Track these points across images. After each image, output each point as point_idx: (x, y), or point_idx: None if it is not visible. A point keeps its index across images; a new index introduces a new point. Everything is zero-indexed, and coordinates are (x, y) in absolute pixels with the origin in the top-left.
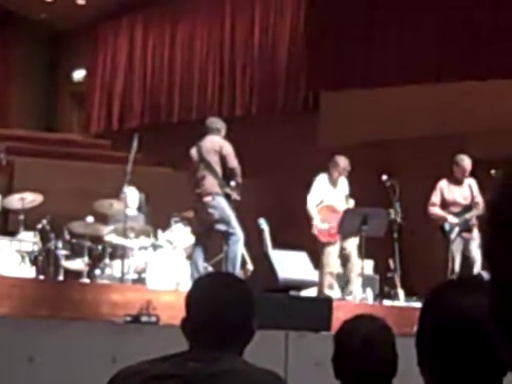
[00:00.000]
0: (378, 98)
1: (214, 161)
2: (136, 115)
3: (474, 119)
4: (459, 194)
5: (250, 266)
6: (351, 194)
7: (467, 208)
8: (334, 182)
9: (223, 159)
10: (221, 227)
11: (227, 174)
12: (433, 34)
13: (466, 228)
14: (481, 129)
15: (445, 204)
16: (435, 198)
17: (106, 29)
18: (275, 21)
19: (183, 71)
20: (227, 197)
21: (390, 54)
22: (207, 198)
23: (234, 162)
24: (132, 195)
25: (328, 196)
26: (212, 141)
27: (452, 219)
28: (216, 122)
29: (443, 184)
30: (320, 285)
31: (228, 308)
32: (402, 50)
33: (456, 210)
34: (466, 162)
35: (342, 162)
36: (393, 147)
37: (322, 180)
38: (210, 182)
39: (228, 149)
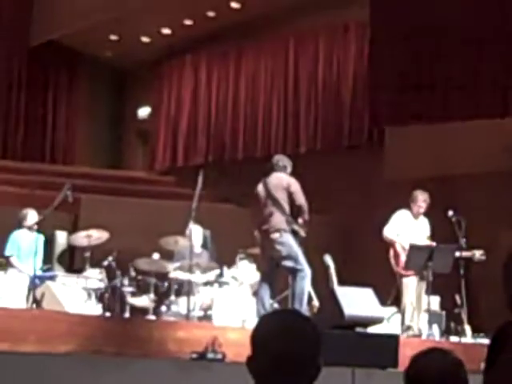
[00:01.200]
0: (443, 132)
1: (282, 197)
2: (201, 152)
3: None
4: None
5: (316, 303)
6: (431, 235)
7: None
8: (414, 218)
9: (291, 196)
10: (288, 264)
11: (294, 211)
12: (497, 67)
13: None
14: None
15: None
16: None
17: (171, 66)
18: (339, 56)
19: (247, 108)
20: (294, 233)
21: (452, 89)
22: (275, 235)
23: (301, 199)
24: (196, 233)
25: (407, 232)
26: (279, 177)
27: None
28: (282, 160)
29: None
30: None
31: (295, 346)
32: (466, 84)
33: None
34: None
35: (420, 195)
36: (458, 182)
37: (402, 214)
38: (278, 219)
39: (295, 186)
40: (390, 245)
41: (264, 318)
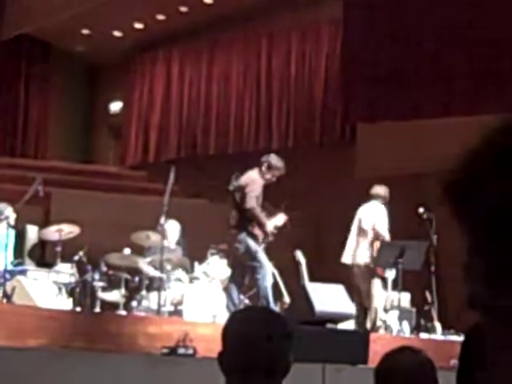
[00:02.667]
0: (414, 130)
1: (239, 196)
2: (172, 147)
3: None
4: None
5: (286, 299)
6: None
7: None
8: None
9: (244, 197)
10: (247, 261)
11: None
12: (467, 67)
13: None
14: None
15: None
16: None
17: (143, 61)
18: (311, 53)
19: (219, 103)
20: (251, 235)
21: (424, 87)
22: (233, 232)
23: (249, 203)
24: (173, 229)
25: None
26: (247, 174)
27: None
28: (266, 156)
29: None
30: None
31: (265, 342)
32: (439, 83)
33: None
34: None
35: (384, 191)
36: (429, 180)
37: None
38: (237, 216)
39: (252, 187)
40: (374, 240)
41: (235, 315)
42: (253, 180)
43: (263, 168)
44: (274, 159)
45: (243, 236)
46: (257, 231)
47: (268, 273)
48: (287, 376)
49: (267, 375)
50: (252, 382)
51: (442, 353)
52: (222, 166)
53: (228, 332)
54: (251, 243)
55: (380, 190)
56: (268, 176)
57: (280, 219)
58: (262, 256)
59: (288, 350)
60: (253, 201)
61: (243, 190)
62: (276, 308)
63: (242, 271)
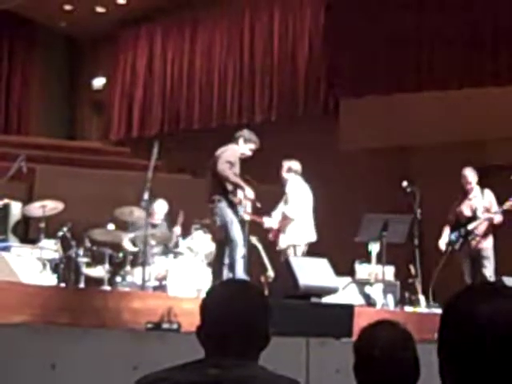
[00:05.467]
0: (398, 103)
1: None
2: (156, 122)
3: (495, 126)
4: (467, 206)
5: (270, 273)
6: None
7: (470, 219)
8: None
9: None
10: (222, 233)
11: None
12: (454, 40)
13: (467, 239)
14: (501, 135)
15: (457, 217)
16: (449, 215)
17: (126, 37)
18: (294, 27)
19: (202, 78)
20: (231, 204)
21: (410, 60)
22: (211, 205)
23: (221, 166)
24: (161, 208)
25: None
26: (225, 147)
27: (442, 245)
28: (241, 132)
29: (458, 200)
30: None
31: (242, 314)
32: (423, 56)
33: (463, 221)
34: (467, 173)
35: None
36: (413, 153)
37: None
38: (214, 189)
39: (226, 154)
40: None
41: (212, 288)
42: (227, 148)
43: (239, 141)
44: (247, 133)
45: (220, 207)
46: (234, 198)
47: (239, 246)
48: (271, 349)
49: (245, 348)
50: (230, 356)
51: (426, 325)
52: (206, 141)
53: (205, 306)
54: (228, 215)
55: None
56: (244, 149)
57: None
58: (237, 229)
59: (266, 323)
60: (224, 165)
61: (218, 157)
62: (251, 280)
63: (223, 245)
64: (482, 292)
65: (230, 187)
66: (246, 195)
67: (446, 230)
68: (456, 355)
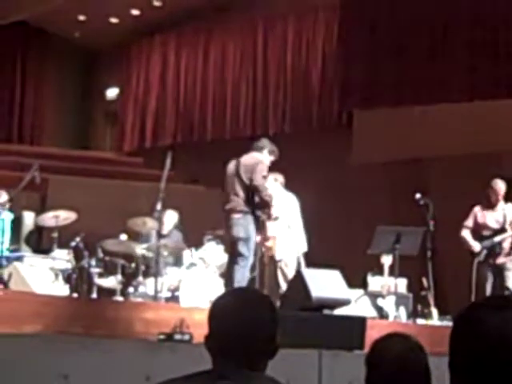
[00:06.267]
0: (411, 116)
1: (249, 178)
2: (169, 133)
3: (509, 138)
4: (492, 218)
5: (283, 286)
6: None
7: (497, 232)
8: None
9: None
10: (239, 246)
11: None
12: (464, 52)
13: (493, 252)
14: None
15: (477, 228)
16: (468, 221)
17: (139, 47)
18: (308, 39)
19: (216, 89)
20: (256, 218)
21: (422, 72)
22: (237, 215)
23: (259, 180)
24: (170, 218)
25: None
26: (252, 157)
27: (477, 247)
28: (262, 141)
29: (477, 209)
30: None
31: (252, 324)
32: (435, 68)
33: (487, 233)
34: (499, 185)
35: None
36: (427, 166)
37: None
38: (242, 200)
39: (262, 166)
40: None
41: (220, 297)
42: (260, 160)
43: (264, 152)
44: (270, 144)
45: (247, 220)
46: (261, 214)
47: (249, 264)
48: (284, 361)
49: (253, 358)
50: (237, 366)
51: (439, 338)
52: (219, 152)
53: (212, 315)
54: (251, 230)
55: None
56: (267, 161)
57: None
58: (253, 247)
59: (274, 332)
60: (263, 180)
61: (252, 169)
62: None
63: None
64: (492, 304)
65: (257, 201)
66: (271, 214)
67: (468, 234)
68: (466, 368)
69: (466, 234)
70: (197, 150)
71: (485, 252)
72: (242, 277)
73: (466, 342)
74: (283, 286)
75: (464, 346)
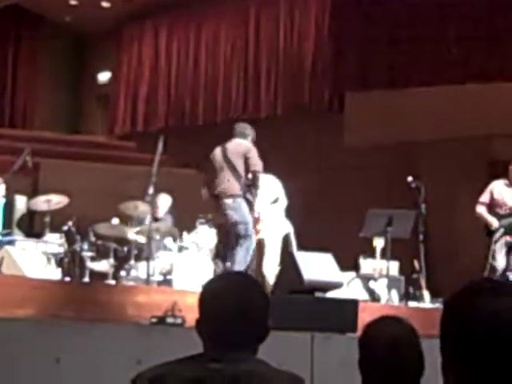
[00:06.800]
0: (403, 98)
1: (238, 163)
2: (161, 117)
3: (500, 120)
4: (509, 196)
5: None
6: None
7: None
8: None
9: (247, 162)
10: (239, 229)
11: (249, 179)
12: (457, 34)
13: (510, 230)
14: (509, 131)
15: (494, 204)
16: (484, 197)
17: (131, 31)
18: (300, 22)
19: (208, 73)
20: (248, 201)
21: (414, 54)
22: (228, 200)
23: (257, 166)
24: (164, 202)
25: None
26: (238, 143)
27: (495, 223)
28: (245, 127)
29: (495, 184)
30: None
31: (242, 307)
32: (427, 51)
33: (503, 211)
34: None
35: None
36: (418, 148)
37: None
38: (233, 185)
39: (253, 152)
40: None
41: (211, 281)
42: (250, 147)
43: (249, 139)
44: (253, 131)
45: (239, 203)
46: (250, 197)
47: (252, 246)
48: (276, 344)
49: (244, 341)
50: (228, 349)
51: (431, 321)
52: (210, 136)
53: (203, 299)
54: (246, 212)
55: None
56: None
57: None
58: (251, 226)
59: (265, 315)
60: (260, 164)
61: (245, 155)
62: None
63: (230, 240)
64: (484, 288)
65: (247, 183)
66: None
67: (485, 210)
68: (458, 351)
69: (482, 210)
70: (188, 133)
71: (502, 230)
72: (241, 258)
73: (457, 325)
74: (263, 267)
75: (455, 329)
